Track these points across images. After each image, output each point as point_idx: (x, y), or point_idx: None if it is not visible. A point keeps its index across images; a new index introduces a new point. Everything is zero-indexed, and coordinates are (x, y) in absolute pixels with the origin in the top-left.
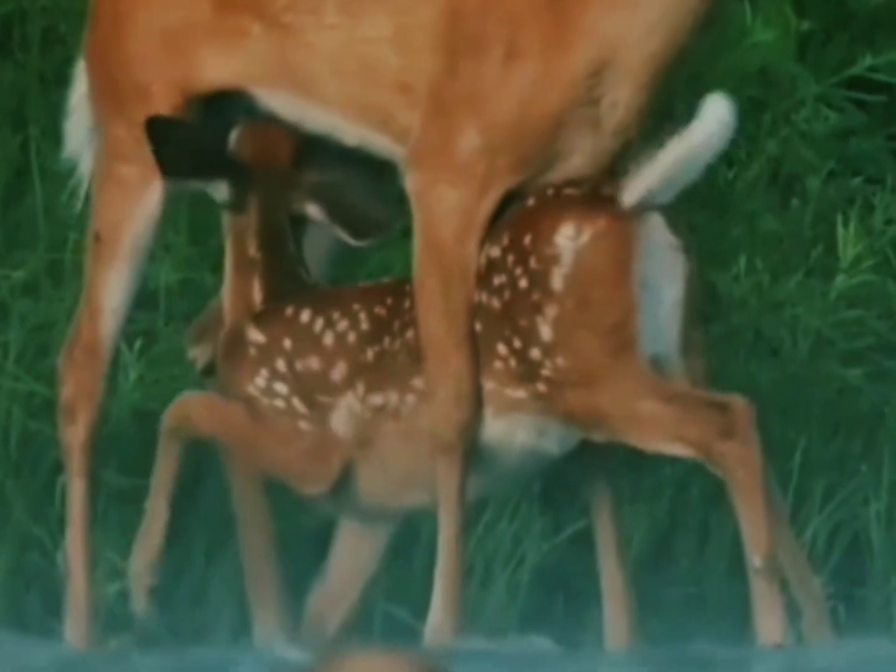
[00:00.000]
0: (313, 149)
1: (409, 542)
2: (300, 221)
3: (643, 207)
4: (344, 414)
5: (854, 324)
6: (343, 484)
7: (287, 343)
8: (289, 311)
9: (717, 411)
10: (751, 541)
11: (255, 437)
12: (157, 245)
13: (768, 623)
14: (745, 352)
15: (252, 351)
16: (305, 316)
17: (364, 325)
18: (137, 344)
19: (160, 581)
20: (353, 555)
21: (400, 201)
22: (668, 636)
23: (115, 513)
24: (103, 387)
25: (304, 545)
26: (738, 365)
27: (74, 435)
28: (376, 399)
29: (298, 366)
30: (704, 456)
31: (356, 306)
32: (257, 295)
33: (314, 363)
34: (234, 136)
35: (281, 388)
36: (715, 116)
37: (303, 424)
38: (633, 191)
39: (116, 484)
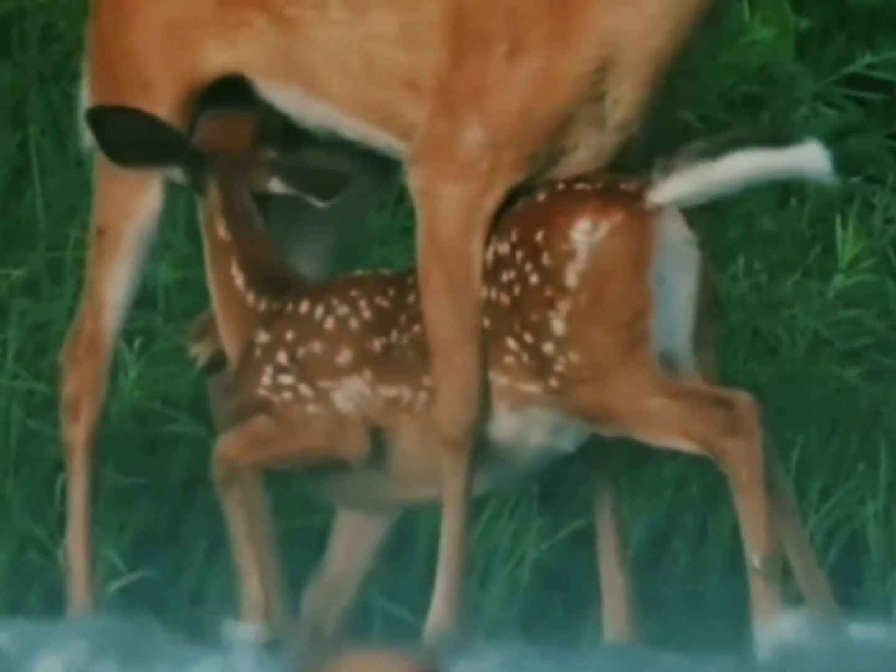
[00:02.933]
0: (273, 130)
1: (409, 541)
2: (265, 202)
3: (669, 206)
4: (347, 394)
5: (852, 323)
6: (356, 475)
7: (289, 335)
8: (289, 307)
9: (723, 408)
10: (750, 540)
11: (283, 436)
12: (157, 243)
13: (765, 623)
14: (743, 351)
15: (258, 353)
16: (305, 306)
17: (366, 314)
18: (137, 342)
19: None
20: (349, 552)
21: (368, 165)
22: (666, 634)
23: (114, 511)
24: (106, 384)
25: (303, 545)
26: (737, 364)
27: (76, 433)
28: (389, 391)
29: (300, 352)
30: (709, 452)
31: (354, 293)
32: (238, 277)
33: (316, 347)
34: (197, 126)
35: (286, 379)
36: (808, 163)
37: (311, 408)
38: (666, 191)
39: (115, 482)
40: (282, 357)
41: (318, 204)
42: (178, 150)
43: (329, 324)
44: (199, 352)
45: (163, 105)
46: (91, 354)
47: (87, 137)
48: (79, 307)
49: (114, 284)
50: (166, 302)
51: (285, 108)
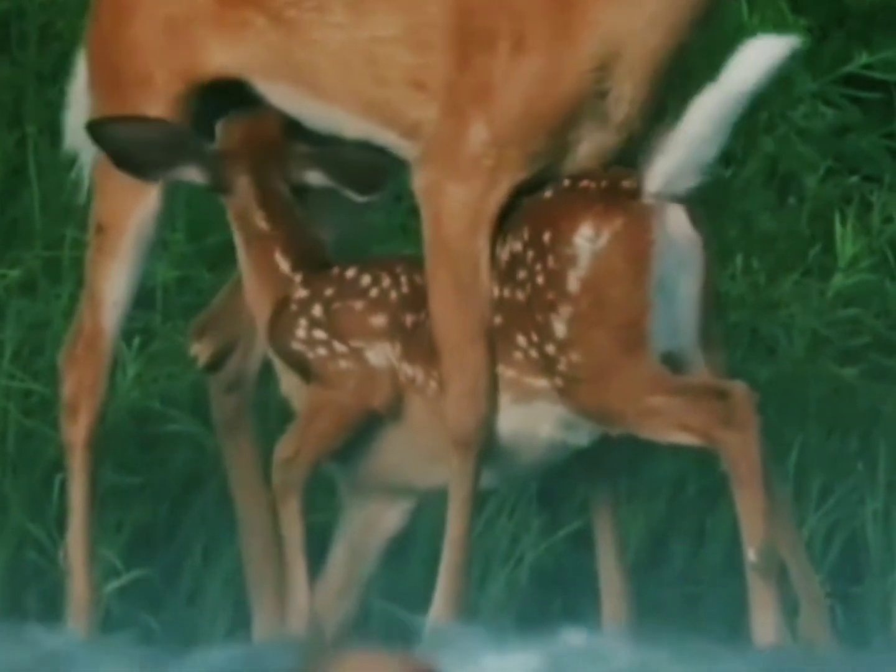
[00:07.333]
0: (299, 125)
1: (408, 541)
2: (301, 194)
3: (667, 194)
4: (379, 353)
5: (851, 322)
6: (371, 454)
7: (329, 291)
8: (335, 271)
9: (719, 398)
10: (747, 533)
11: (324, 402)
12: (155, 242)
13: (763, 620)
14: (741, 351)
15: (293, 307)
16: (352, 272)
17: (405, 289)
18: (135, 342)
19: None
20: (353, 554)
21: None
22: (665, 635)
23: (112, 511)
24: (105, 384)
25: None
26: (735, 363)
27: (76, 433)
28: (408, 369)
29: (336, 305)
30: (708, 443)
31: (399, 269)
32: (283, 264)
33: (357, 305)
34: (218, 129)
35: (320, 334)
36: (752, 62)
37: (343, 364)
38: (656, 175)
39: (113, 482)
40: (317, 310)
41: (357, 198)
42: (193, 150)
43: (373, 292)
44: (200, 350)
45: (161, 100)
46: (90, 354)
47: (72, 137)
48: (76, 307)
49: (113, 283)
50: (164, 301)
51: (286, 107)
